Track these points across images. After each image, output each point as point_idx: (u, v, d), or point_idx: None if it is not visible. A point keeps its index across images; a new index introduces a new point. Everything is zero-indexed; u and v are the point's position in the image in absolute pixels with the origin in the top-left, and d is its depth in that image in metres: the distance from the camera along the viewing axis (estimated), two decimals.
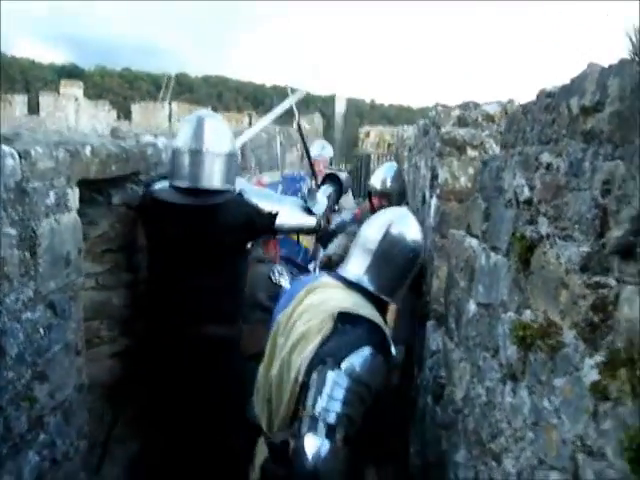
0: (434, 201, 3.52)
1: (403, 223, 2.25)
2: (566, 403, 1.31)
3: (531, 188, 1.47)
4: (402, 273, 2.21)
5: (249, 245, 3.39)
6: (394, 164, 5.10)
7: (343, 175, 3.81)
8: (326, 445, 1.74)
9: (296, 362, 1.98)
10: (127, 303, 3.44)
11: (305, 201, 3.35)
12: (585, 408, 1.22)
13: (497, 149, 3.34)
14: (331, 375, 1.83)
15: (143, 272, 3.54)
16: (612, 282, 1.18)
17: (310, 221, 3.27)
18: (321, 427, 1.76)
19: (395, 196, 4.34)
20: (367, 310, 2.05)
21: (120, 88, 49.87)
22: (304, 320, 2.07)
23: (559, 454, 1.33)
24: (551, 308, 1.38)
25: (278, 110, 4.21)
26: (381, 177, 4.39)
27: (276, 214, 3.12)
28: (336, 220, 4.52)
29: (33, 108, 25.19)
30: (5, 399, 2.09)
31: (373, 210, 4.21)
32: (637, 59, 1.04)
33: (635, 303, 1.09)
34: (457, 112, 3.52)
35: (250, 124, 24.05)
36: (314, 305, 2.11)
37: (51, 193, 2.41)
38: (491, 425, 1.74)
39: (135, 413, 3.53)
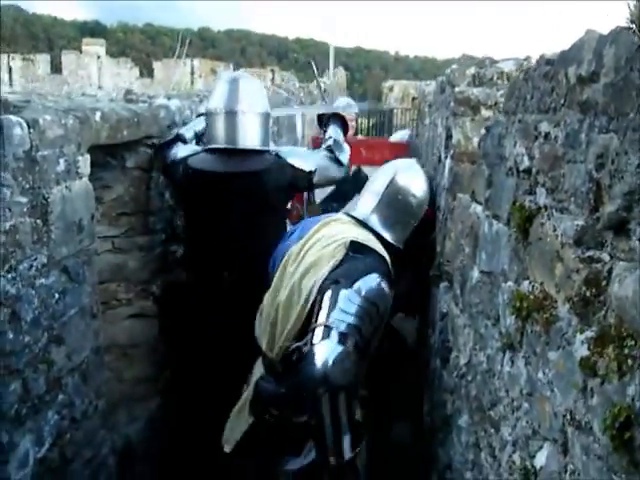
0: (448, 162, 3.46)
1: (409, 173, 2.51)
2: (558, 376, 1.30)
3: (530, 157, 1.44)
4: (405, 219, 2.43)
5: (289, 204, 3.47)
6: (407, 131, 5.42)
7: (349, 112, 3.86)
8: (338, 349, 1.82)
9: (307, 286, 2.10)
10: (143, 266, 3.50)
11: (332, 151, 3.33)
12: (575, 383, 1.22)
13: None
14: (344, 292, 1.95)
15: (158, 235, 3.58)
16: (606, 257, 1.16)
17: (341, 172, 3.31)
18: (334, 334, 1.86)
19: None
20: (374, 243, 2.23)
21: (142, 44, 49.51)
22: (316, 249, 2.21)
23: (551, 426, 1.34)
24: (547, 281, 1.37)
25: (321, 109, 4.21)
26: (395, 140, 4.78)
27: (314, 171, 3.13)
28: None
29: (56, 67, 25.17)
30: (22, 362, 2.17)
31: None
32: (634, 28, 1.00)
33: (626, 280, 1.07)
34: (472, 70, 3.43)
35: (273, 79, 23.75)
36: (326, 236, 2.26)
37: (61, 161, 2.43)
38: (491, 393, 1.75)
39: (154, 372, 3.63)
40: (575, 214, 1.23)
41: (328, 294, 1.98)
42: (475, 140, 3.21)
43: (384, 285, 2.04)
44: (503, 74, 3.35)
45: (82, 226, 2.64)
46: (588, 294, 1.19)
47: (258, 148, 3.08)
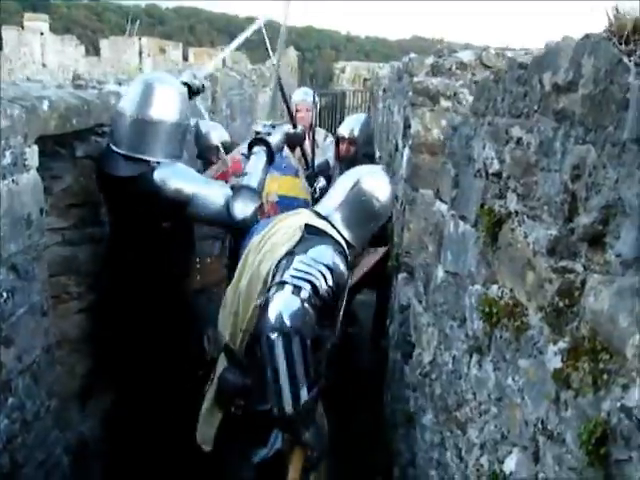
0: (406, 152, 3.46)
1: (374, 178, 2.42)
2: (529, 385, 1.30)
3: (501, 161, 1.42)
4: (366, 222, 2.38)
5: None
6: (363, 115, 5.21)
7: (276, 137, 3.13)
8: (293, 298, 1.89)
9: (264, 268, 2.14)
10: (93, 258, 3.38)
11: (234, 194, 2.88)
12: (547, 393, 1.21)
13: (470, 99, 3.27)
14: (298, 257, 2.03)
15: (107, 225, 3.47)
16: (579, 268, 1.15)
17: (229, 219, 2.79)
18: (287, 287, 1.92)
19: (362, 144, 4.42)
20: (332, 230, 2.26)
21: (88, 21, 47.78)
22: (275, 238, 2.25)
23: (521, 433, 1.34)
24: (517, 287, 1.36)
25: (241, 37, 3.93)
26: (350, 126, 4.49)
27: (185, 200, 2.81)
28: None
29: None
30: None
31: (338, 156, 4.44)
32: (614, 39, 0.97)
33: (601, 294, 1.06)
34: (431, 60, 3.41)
35: (224, 60, 23.25)
36: (285, 226, 2.30)
37: (7, 153, 2.30)
38: (457, 393, 1.74)
39: (106, 366, 3.54)
40: (548, 223, 1.22)
41: (282, 264, 2.05)
42: (435, 131, 3.21)
43: (337, 258, 2.08)
44: (462, 64, 3.34)
45: (31, 221, 2.52)
46: (561, 304, 1.18)
47: (156, 159, 2.87)
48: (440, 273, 1.91)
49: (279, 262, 2.09)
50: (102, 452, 3.47)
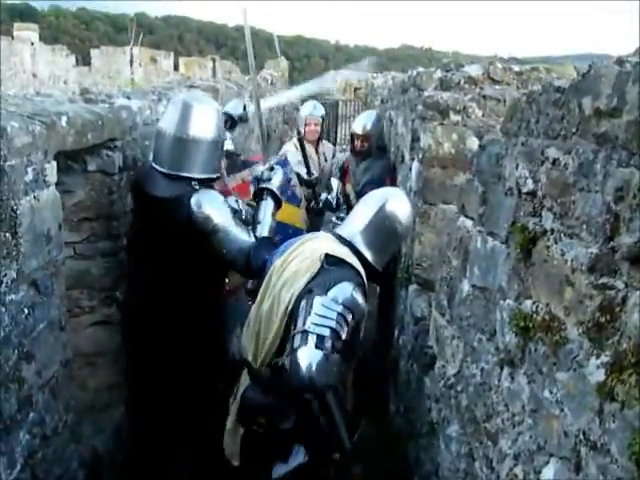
0: (415, 165, 3.51)
1: (398, 202, 2.49)
2: (569, 397, 1.34)
3: (535, 181, 1.47)
4: (388, 245, 2.47)
5: None
6: (373, 111, 5.47)
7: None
8: (318, 353, 1.94)
9: (286, 297, 2.19)
10: (106, 272, 3.40)
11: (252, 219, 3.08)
12: (590, 405, 1.25)
13: (479, 113, 3.34)
14: (318, 299, 2.06)
15: (121, 240, 3.49)
16: (620, 285, 1.20)
17: (233, 246, 2.89)
18: (311, 339, 1.97)
19: (375, 138, 4.68)
20: (351, 258, 2.30)
21: (77, 30, 47.67)
22: (296, 262, 2.29)
23: (560, 444, 1.38)
24: (555, 303, 1.40)
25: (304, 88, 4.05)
26: (363, 122, 4.75)
27: (215, 227, 2.88)
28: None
29: None
30: None
31: (354, 151, 4.74)
32: None
33: None
34: (439, 74, 3.47)
35: (214, 69, 23.21)
36: (306, 251, 2.33)
37: (29, 170, 2.33)
38: (486, 405, 1.79)
39: (119, 380, 3.55)
40: (587, 241, 1.26)
41: (303, 303, 2.09)
42: (446, 145, 3.27)
43: (357, 294, 2.13)
44: (470, 78, 3.41)
45: (50, 236, 2.54)
46: (602, 320, 1.23)
47: (198, 176, 2.96)
48: (466, 287, 1.96)
49: (299, 296, 2.14)
50: (115, 465, 3.48)
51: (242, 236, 2.85)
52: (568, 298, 1.34)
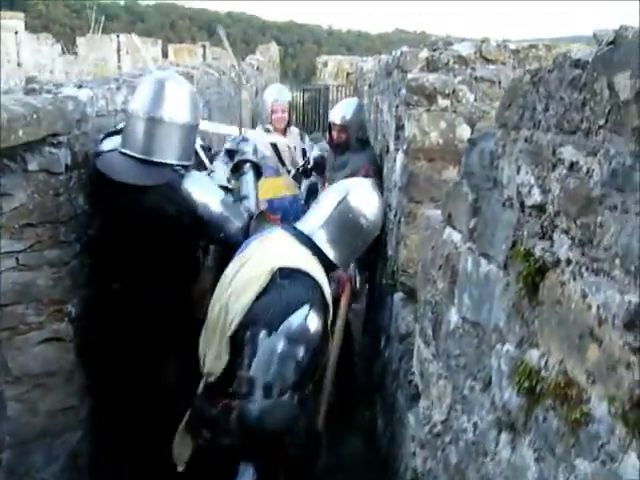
0: (400, 157, 3.10)
1: (361, 196, 2.30)
2: None
3: (544, 191, 1.06)
4: (353, 241, 2.29)
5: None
6: (354, 99, 5.04)
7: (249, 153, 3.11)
8: (265, 403, 1.83)
9: (232, 309, 2.02)
10: (54, 283, 3.03)
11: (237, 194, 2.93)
12: None
13: (471, 98, 2.93)
14: (264, 340, 1.88)
15: (72, 247, 3.11)
16: None
17: (232, 228, 2.78)
18: (258, 388, 1.83)
19: (354, 130, 4.25)
20: (309, 264, 2.10)
21: (66, 18, 46.90)
22: (247, 269, 2.11)
23: None
24: (572, 362, 1.01)
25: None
26: (341, 112, 4.34)
27: (210, 215, 2.71)
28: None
29: None
30: None
31: (332, 142, 4.34)
32: None
33: None
34: (425, 54, 3.05)
35: (204, 56, 22.73)
36: (258, 256, 2.15)
37: None
38: (480, 472, 1.40)
39: (73, 402, 3.22)
40: (623, 283, 0.87)
41: (247, 335, 1.92)
42: (433, 135, 2.86)
43: (311, 319, 1.93)
44: (460, 58, 2.99)
45: None
46: None
47: (172, 162, 2.72)
48: (454, 317, 1.56)
49: (244, 318, 1.96)
50: None
51: (237, 219, 2.71)
52: (593, 359, 0.95)
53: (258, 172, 3.03)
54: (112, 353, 2.93)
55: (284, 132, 4.68)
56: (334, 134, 4.29)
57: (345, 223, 2.23)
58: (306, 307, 1.91)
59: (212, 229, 2.71)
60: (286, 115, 4.69)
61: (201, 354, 2.23)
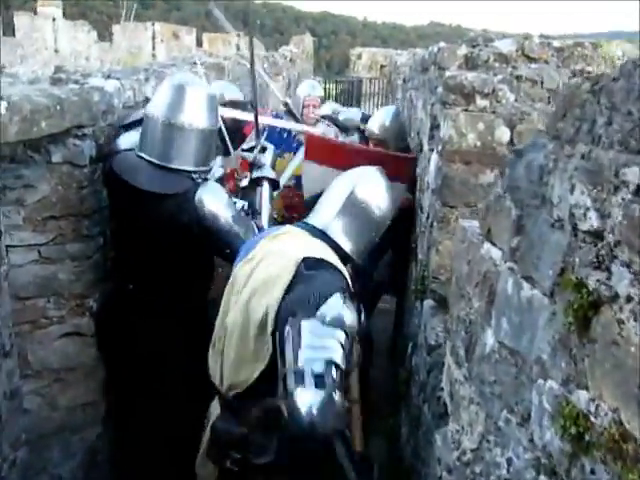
0: (434, 158, 2.97)
1: (371, 186, 2.27)
2: None
3: (603, 215, 0.94)
4: (366, 231, 2.23)
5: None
6: (392, 108, 4.83)
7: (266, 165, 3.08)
8: (319, 394, 1.65)
9: (257, 309, 1.91)
10: (76, 277, 3.01)
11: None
12: None
13: (511, 98, 2.78)
14: (306, 326, 1.75)
15: (96, 241, 3.08)
16: None
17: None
18: (308, 379, 1.67)
19: (392, 140, 4.09)
20: (330, 256, 2.05)
21: (103, 6, 47.32)
22: (264, 267, 2.01)
23: None
24: (630, 413, 0.88)
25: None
26: (380, 121, 4.21)
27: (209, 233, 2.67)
28: None
29: (9, 29, 23.76)
30: None
31: None
32: None
33: None
34: (464, 50, 2.91)
35: (238, 45, 22.73)
36: (273, 252, 2.06)
37: None
38: None
39: (93, 397, 3.21)
40: None
41: (288, 330, 1.77)
42: (470, 137, 2.72)
43: (347, 308, 1.83)
44: (501, 55, 2.84)
45: None
46: None
47: (190, 169, 2.69)
48: (490, 340, 1.43)
49: (278, 314, 1.84)
50: None
51: (247, 236, 2.64)
52: None
53: (275, 186, 3.03)
54: (131, 350, 2.90)
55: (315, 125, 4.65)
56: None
57: (357, 214, 2.19)
58: (338, 295, 1.83)
59: (220, 243, 2.66)
60: (318, 110, 4.70)
61: (214, 372, 2.12)
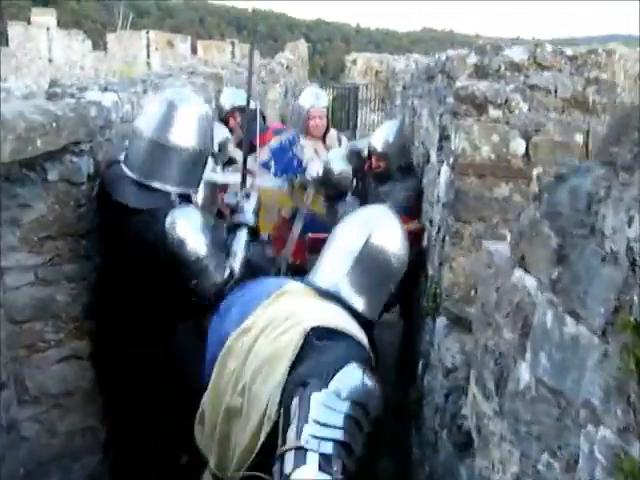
0: (445, 171, 2.87)
1: (386, 228, 2.04)
2: None
3: None
4: (383, 284, 2.02)
5: None
6: (395, 123, 4.54)
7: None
8: (323, 478, 1.32)
9: (262, 392, 1.62)
10: (74, 299, 2.91)
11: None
12: None
13: (524, 108, 2.69)
14: (317, 397, 1.45)
15: (92, 261, 2.97)
16: None
17: (208, 281, 2.59)
18: (312, 458, 1.35)
19: (395, 157, 3.90)
20: (346, 323, 1.76)
21: (98, 15, 47.31)
22: (268, 339, 1.71)
23: None
24: None
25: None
26: (383, 136, 3.99)
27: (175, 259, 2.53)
28: None
29: (2, 39, 23.71)
30: None
31: (370, 170, 4.01)
32: None
33: None
34: (474, 59, 2.82)
35: (233, 52, 22.72)
36: (279, 319, 1.76)
37: None
38: None
39: (93, 422, 3.10)
40: None
41: (295, 402, 1.48)
42: (484, 149, 2.62)
43: (368, 379, 1.54)
44: (513, 64, 2.75)
45: None
46: None
47: (156, 186, 2.59)
48: (525, 375, 1.33)
49: (284, 388, 1.57)
50: None
51: (217, 272, 2.54)
52: None
53: (254, 234, 2.87)
54: (129, 373, 2.81)
55: (323, 139, 4.35)
56: (373, 162, 3.96)
57: (374, 268, 1.96)
58: (356, 365, 1.55)
59: (186, 272, 2.52)
60: (324, 121, 4.33)
61: (205, 447, 1.86)
